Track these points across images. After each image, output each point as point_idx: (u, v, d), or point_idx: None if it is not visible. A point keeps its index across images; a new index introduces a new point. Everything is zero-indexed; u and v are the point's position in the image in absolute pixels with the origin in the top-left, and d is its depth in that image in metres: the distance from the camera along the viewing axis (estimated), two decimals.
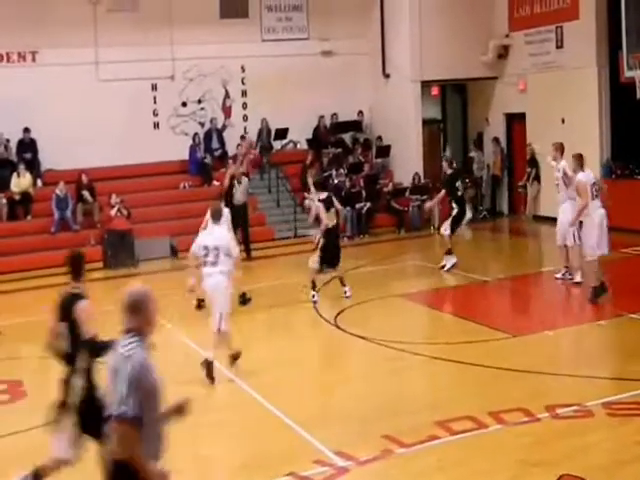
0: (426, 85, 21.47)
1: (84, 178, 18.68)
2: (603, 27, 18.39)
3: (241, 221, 16.91)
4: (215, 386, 9.36)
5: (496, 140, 21.33)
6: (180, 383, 9.55)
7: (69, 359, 6.15)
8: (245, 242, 17.12)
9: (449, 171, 15.49)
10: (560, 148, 13.40)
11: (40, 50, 19.35)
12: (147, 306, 4.48)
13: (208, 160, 20.59)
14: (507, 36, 20.97)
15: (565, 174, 12.95)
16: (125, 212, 17.93)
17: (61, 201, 18.32)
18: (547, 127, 19.17)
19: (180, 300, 12.28)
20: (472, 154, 22.20)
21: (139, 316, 4.44)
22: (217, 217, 9.77)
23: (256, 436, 7.78)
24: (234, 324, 12.64)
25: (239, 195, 17.06)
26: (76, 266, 6.31)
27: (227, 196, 15.95)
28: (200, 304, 12.36)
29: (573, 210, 12.63)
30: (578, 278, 12.93)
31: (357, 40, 21.95)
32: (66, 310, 6.15)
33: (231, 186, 16.45)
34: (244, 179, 17.50)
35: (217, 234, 9.58)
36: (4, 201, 18.28)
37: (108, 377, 4.49)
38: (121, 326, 4.49)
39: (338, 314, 12.01)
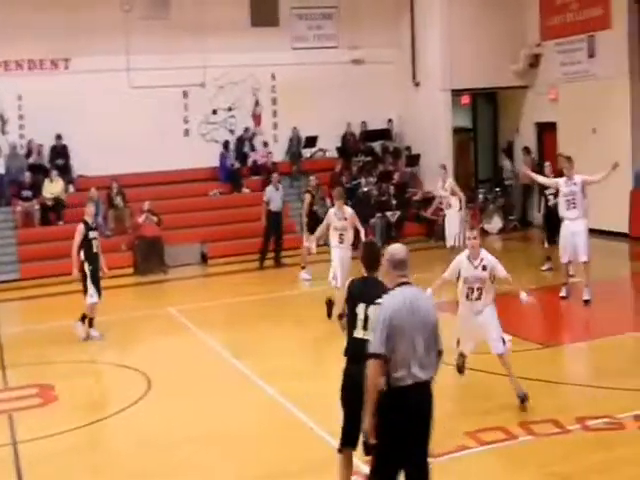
0: (456, 94, 21.42)
1: (115, 184, 18.85)
2: (635, 36, 18.25)
3: (278, 228, 17.35)
4: (247, 394, 9.40)
5: (526, 149, 21.20)
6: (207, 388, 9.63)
7: None
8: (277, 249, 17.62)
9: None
10: (573, 162, 12.82)
11: (72, 57, 19.61)
12: None
13: (238, 167, 20.77)
14: (538, 45, 20.87)
15: (583, 187, 12.51)
16: (154, 219, 18.06)
17: None
18: (578, 137, 19.05)
19: None
20: (502, 163, 22.13)
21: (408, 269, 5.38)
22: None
23: (286, 445, 7.76)
24: (266, 333, 12.69)
25: (278, 202, 17.49)
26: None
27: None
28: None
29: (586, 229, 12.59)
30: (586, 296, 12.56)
31: (387, 48, 21.98)
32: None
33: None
34: (280, 186, 17.83)
35: None
36: (37, 207, 18.51)
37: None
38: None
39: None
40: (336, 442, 6.24)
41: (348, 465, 6.17)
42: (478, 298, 8.68)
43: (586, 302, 12.45)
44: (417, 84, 21.96)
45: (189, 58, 20.20)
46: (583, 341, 11.14)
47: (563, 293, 12.99)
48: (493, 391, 8.88)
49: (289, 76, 21.29)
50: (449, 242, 15.60)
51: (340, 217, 12.55)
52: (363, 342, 5.71)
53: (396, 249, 5.46)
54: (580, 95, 19.40)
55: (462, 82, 20.79)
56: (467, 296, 8.71)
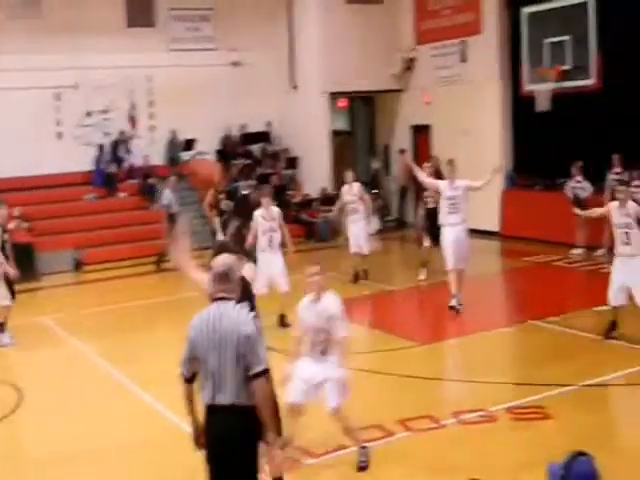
0: (334, 97, 21.64)
1: None
2: (505, 41, 18.94)
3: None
4: (123, 403, 9.17)
5: (402, 151, 21.57)
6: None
7: None
8: None
9: None
10: (455, 166, 12.52)
11: None
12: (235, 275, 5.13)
13: (113, 171, 20.32)
14: (413, 49, 21.34)
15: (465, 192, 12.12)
16: (26, 225, 17.42)
17: None
18: (452, 139, 19.58)
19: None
20: (377, 165, 22.52)
21: (232, 284, 5.02)
22: None
23: (163, 453, 7.62)
24: (134, 338, 12.45)
25: (175, 205, 17.21)
26: None
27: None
28: None
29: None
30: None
31: (265, 51, 21.97)
32: None
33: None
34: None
35: None
36: None
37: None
38: None
39: None
40: None
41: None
42: (324, 352, 6.75)
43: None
44: (295, 87, 22.07)
45: (62, 59, 19.57)
46: (456, 338, 11.42)
47: (454, 303, 12.20)
48: (370, 389, 8.99)
49: (167, 78, 20.98)
50: (353, 249, 15.08)
51: (268, 218, 12.08)
52: None
53: (216, 262, 5.08)
54: (453, 98, 19.96)
55: (340, 85, 21.02)
56: (311, 348, 6.80)
